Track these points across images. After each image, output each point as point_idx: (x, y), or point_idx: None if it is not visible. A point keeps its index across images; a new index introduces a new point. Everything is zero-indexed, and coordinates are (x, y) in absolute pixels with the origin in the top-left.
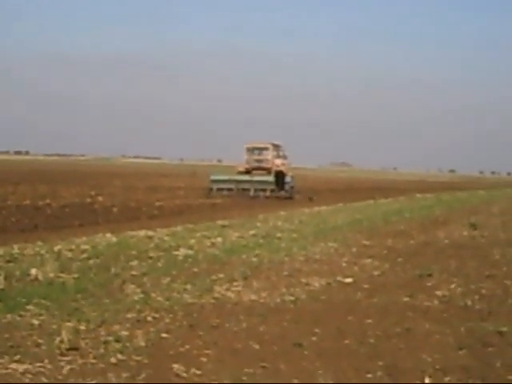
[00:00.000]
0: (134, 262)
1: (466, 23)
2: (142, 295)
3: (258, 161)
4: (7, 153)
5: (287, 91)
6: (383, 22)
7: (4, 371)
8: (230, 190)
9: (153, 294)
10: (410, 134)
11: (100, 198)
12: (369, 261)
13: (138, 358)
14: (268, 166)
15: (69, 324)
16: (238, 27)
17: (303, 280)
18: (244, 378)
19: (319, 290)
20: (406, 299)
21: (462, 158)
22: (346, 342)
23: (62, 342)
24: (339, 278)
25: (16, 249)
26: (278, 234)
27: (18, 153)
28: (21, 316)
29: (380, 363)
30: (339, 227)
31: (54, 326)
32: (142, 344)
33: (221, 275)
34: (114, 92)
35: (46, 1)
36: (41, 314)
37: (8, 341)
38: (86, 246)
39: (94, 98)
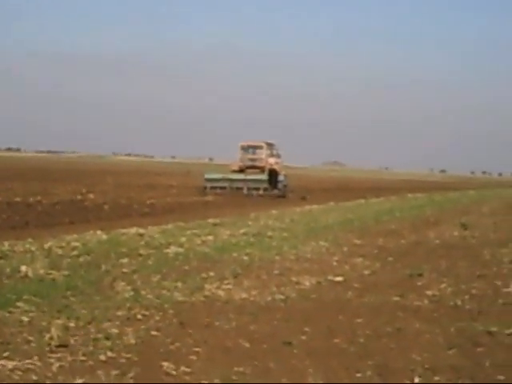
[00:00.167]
0: (125, 260)
1: (464, 23)
2: (132, 293)
3: (252, 159)
4: None
5: (280, 91)
6: (378, 21)
7: None
8: (223, 188)
9: (143, 292)
10: (402, 135)
11: (91, 196)
12: (360, 260)
13: (128, 356)
14: (262, 164)
15: (58, 321)
16: (237, 27)
17: (294, 279)
18: (234, 377)
19: (310, 289)
20: (396, 299)
21: (453, 159)
22: (336, 341)
23: (51, 338)
24: (330, 277)
25: (6, 246)
26: (269, 233)
27: (9, 149)
28: (10, 313)
29: (370, 362)
30: (330, 226)
31: (44, 323)
32: (132, 342)
33: (211, 273)
34: (109, 91)
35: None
36: (31, 311)
37: None
38: (77, 244)
39: (88, 96)
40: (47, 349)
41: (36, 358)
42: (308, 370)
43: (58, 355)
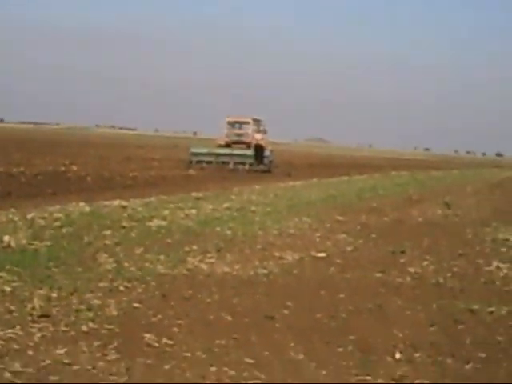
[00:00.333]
0: (107, 232)
1: (454, 9)
2: (114, 265)
3: (239, 135)
4: None
5: (265, 67)
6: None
7: None
8: (209, 163)
9: (125, 264)
10: (386, 113)
11: (74, 167)
12: (342, 236)
13: (110, 327)
14: (248, 140)
15: (41, 291)
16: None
17: (276, 254)
18: (216, 349)
19: (292, 264)
20: (378, 275)
21: (438, 138)
22: (318, 316)
23: (33, 308)
24: (312, 253)
25: None
26: (253, 208)
27: None
28: None
29: (351, 338)
30: (313, 202)
31: (26, 293)
32: (114, 313)
33: (194, 247)
34: (92, 62)
35: None
36: (13, 281)
37: None
38: (59, 215)
39: (72, 66)
40: (29, 319)
41: (18, 327)
42: (289, 345)
43: (40, 325)
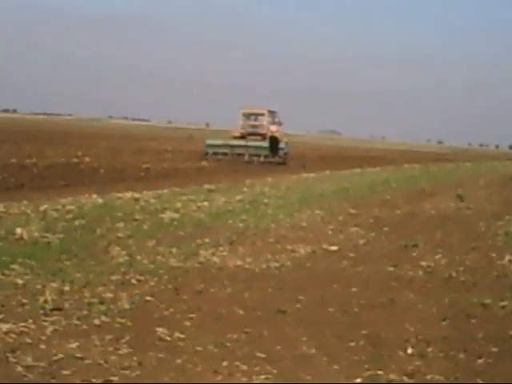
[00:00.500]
0: (120, 224)
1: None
2: (126, 257)
3: (254, 126)
4: None
5: (277, 58)
6: None
7: None
8: (225, 154)
9: (138, 257)
10: (399, 105)
11: (86, 159)
12: (354, 229)
13: (122, 321)
14: (263, 131)
15: (53, 284)
16: None
17: (288, 247)
18: (228, 344)
19: (304, 258)
20: (390, 269)
21: (451, 130)
22: (330, 310)
23: (45, 302)
24: (324, 246)
25: (1, 207)
26: (265, 200)
27: (5, 111)
28: (5, 275)
29: (363, 332)
30: (326, 195)
31: (39, 286)
32: (126, 306)
33: (206, 240)
34: (110, 53)
35: None
36: (25, 274)
37: None
38: (72, 207)
39: (84, 57)
40: (41, 312)
41: (30, 320)
42: (301, 339)
43: (53, 318)
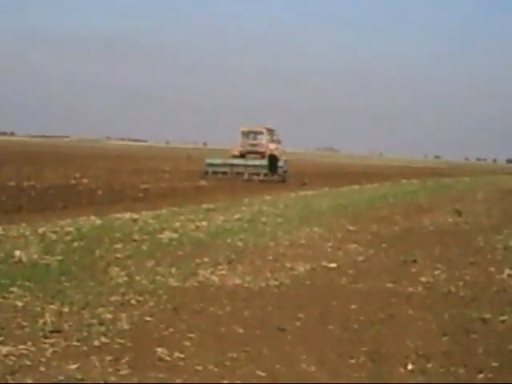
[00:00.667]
0: (119, 245)
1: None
2: (126, 278)
3: (253, 145)
4: None
5: (273, 76)
6: (375, 10)
7: None
8: (224, 173)
9: (137, 277)
10: (396, 121)
11: (84, 180)
12: (353, 246)
13: (122, 341)
14: (262, 150)
15: (52, 306)
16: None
17: (288, 264)
18: (227, 363)
19: (304, 275)
20: (389, 285)
21: (448, 145)
22: (330, 327)
23: (45, 324)
24: (324, 263)
25: (0, 230)
26: (263, 219)
27: (3, 134)
28: (4, 298)
29: (363, 349)
30: (324, 212)
31: (38, 309)
32: (126, 327)
33: (205, 259)
34: (106, 75)
35: None
36: (24, 296)
37: None
38: (71, 229)
39: (82, 79)
40: (41, 334)
41: (30, 343)
42: (301, 356)
43: (52, 340)
